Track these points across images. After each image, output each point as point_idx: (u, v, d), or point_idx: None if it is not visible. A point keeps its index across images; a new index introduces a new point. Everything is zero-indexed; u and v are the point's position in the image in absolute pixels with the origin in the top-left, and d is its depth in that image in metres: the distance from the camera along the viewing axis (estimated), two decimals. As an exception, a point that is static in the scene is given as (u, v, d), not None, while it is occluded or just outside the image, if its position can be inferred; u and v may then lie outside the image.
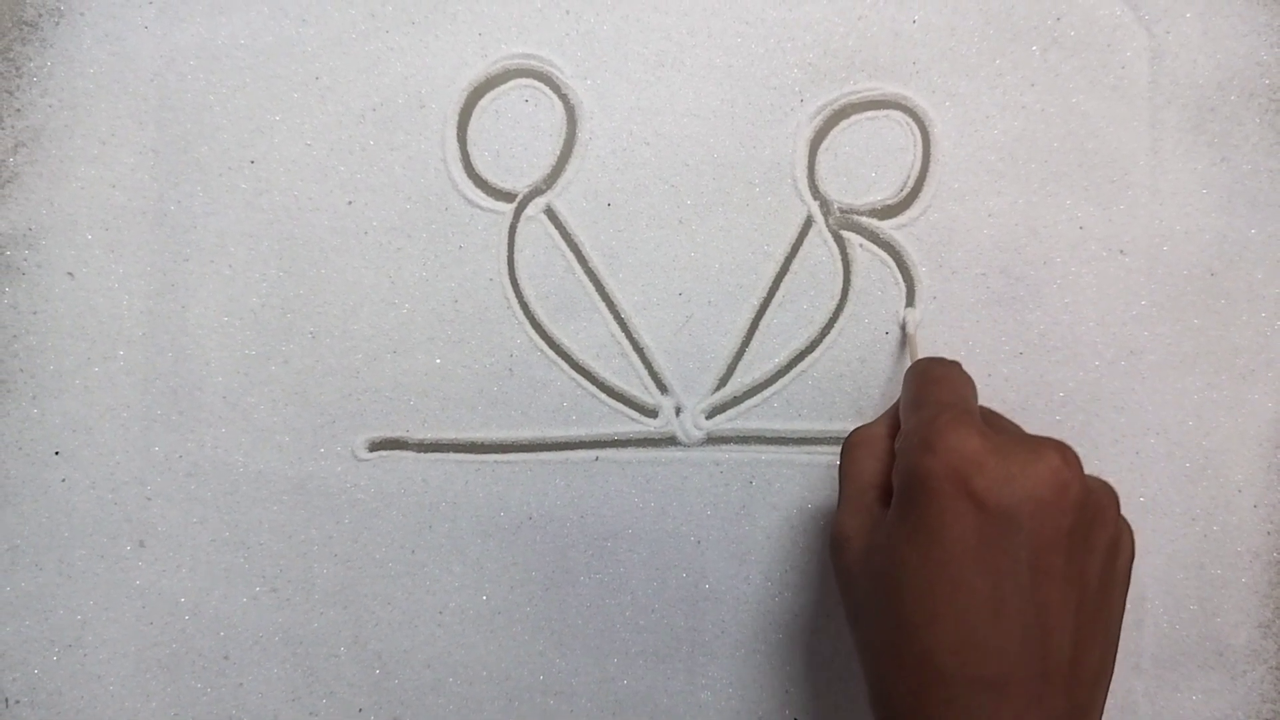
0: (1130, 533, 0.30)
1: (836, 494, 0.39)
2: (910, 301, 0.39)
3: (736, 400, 0.40)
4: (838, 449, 0.39)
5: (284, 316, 0.39)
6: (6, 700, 0.39)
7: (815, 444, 0.40)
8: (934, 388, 0.31)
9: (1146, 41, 0.39)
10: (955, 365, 0.33)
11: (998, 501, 0.26)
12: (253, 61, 0.40)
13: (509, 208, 0.40)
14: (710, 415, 0.40)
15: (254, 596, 0.39)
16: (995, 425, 0.31)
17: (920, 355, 0.37)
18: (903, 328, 0.39)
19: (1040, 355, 0.39)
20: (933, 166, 0.40)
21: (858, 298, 0.40)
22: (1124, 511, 0.39)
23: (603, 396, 0.40)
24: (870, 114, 0.40)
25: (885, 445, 0.32)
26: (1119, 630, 0.30)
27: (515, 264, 0.40)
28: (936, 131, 0.40)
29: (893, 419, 0.33)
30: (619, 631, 0.39)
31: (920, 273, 0.39)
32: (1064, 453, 0.28)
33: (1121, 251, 0.39)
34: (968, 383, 0.32)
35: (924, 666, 0.27)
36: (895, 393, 0.40)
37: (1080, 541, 0.27)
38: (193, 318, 0.39)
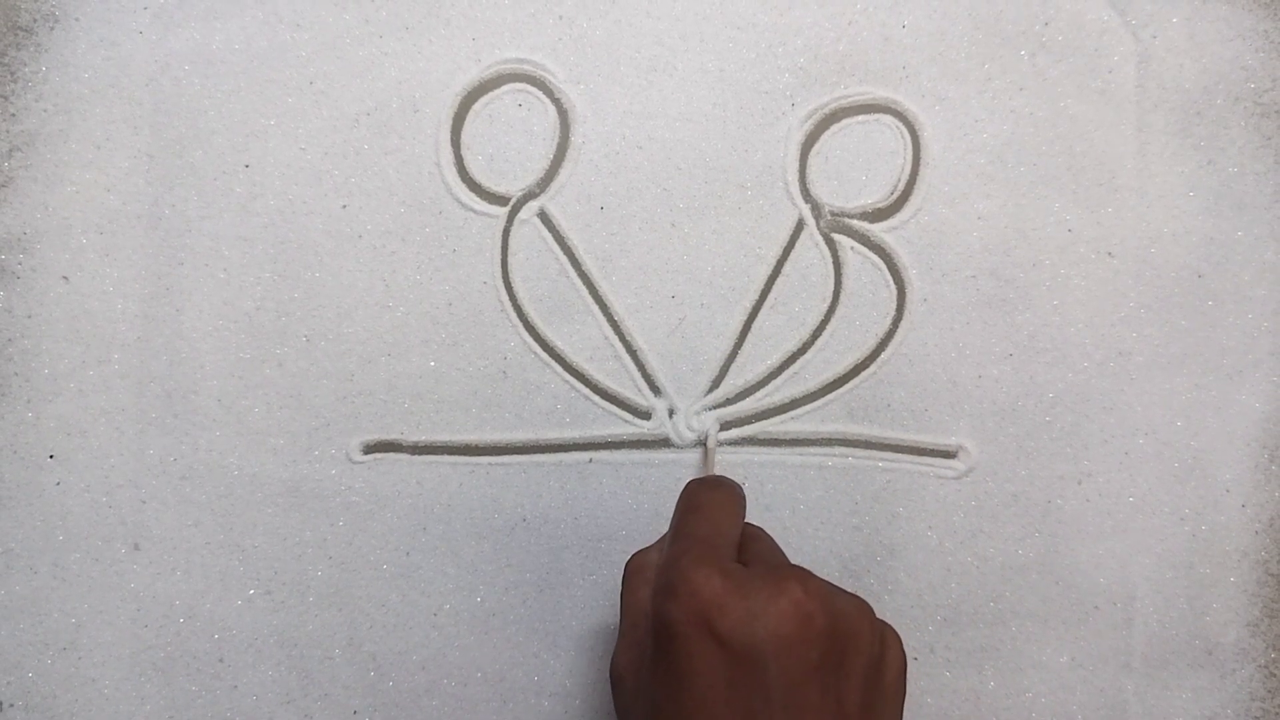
0: (897, 642, 0.30)
1: (827, 496, 0.40)
2: (900, 311, 0.40)
3: (730, 402, 0.40)
4: (830, 450, 0.40)
5: (278, 320, 0.40)
6: (1, 704, 0.39)
7: (807, 445, 0.40)
8: (691, 518, 0.31)
9: (1133, 46, 0.40)
10: (723, 488, 0.33)
11: (742, 642, 0.26)
12: (247, 66, 0.40)
13: (503, 211, 0.40)
14: (723, 427, 0.40)
15: (248, 599, 0.39)
16: (752, 553, 0.31)
17: (715, 471, 0.36)
18: (703, 442, 0.39)
19: (1030, 356, 0.40)
20: (923, 170, 0.40)
21: (849, 300, 0.40)
22: (1112, 511, 0.40)
23: (596, 399, 0.40)
24: (861, 118, 0.40)
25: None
26: None
27: (509, 267, 0.40)
28: (926, 135, 0.40)
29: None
30: (613, 632, 0.39)
31: (911, 275, 0.40)
32: (806, 583, 0.27)
33: (1110, 254, 0.40)
34: (731, 509, 0.32)
35: None
36: (888, 393, 0.40)
37: (833, 671, 0.27)
38: (187, 321, 0.39)
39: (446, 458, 0.40)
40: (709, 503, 0.32)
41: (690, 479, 0.34)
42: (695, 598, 0.27)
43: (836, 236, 0.40)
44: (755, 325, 0.40)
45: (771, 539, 0.33)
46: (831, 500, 0.40)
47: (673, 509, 0.39)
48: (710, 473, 0.37)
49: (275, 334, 0.40)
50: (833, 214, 0.40)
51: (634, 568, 0.32)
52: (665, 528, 0.39)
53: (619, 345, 0.40)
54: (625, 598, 0.31)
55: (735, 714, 0.26)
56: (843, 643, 0.28)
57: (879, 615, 0.39)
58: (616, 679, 0.30)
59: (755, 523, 0.40)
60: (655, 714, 0.27)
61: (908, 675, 0.30)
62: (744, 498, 0.33)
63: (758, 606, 0.27)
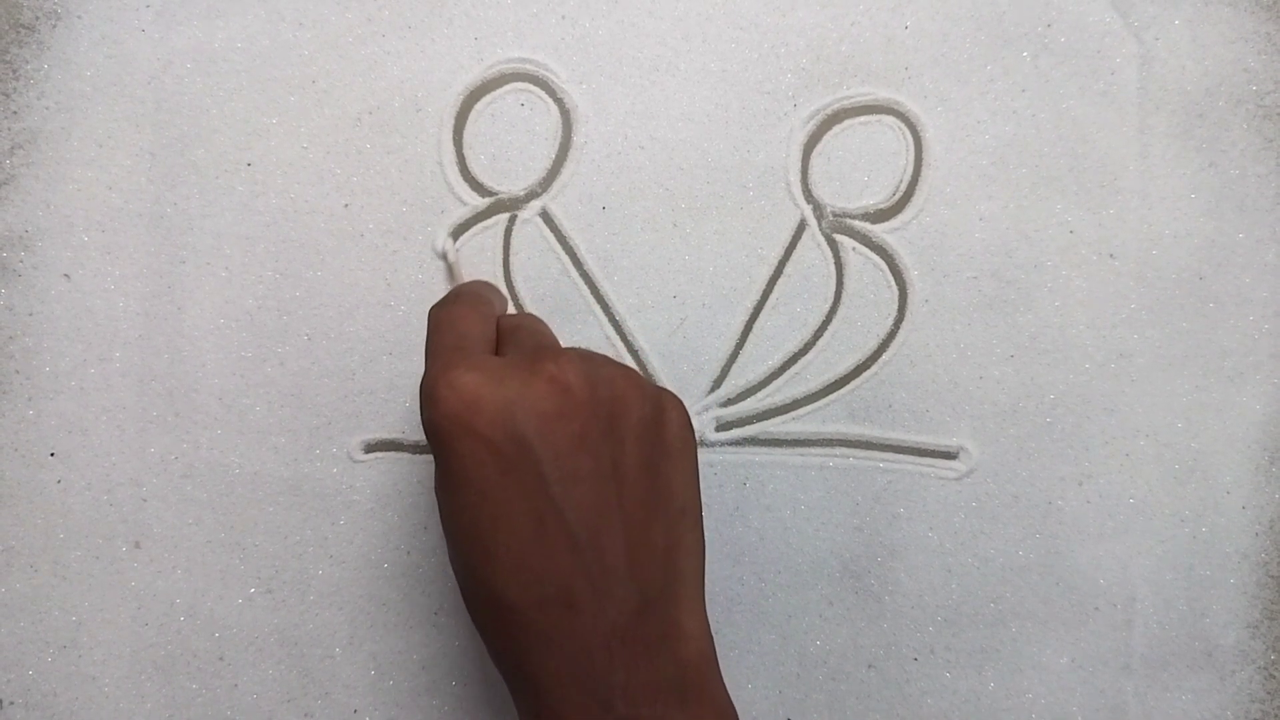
0: (676, 403, 0.30)
1: (828, 497, 0.40)
2: (901, 311, 0.40)
3: (731, 402, 0.40)
4: (831, 451, 0.40)
5: (280, 318, 0.40)
6: (1, 702, 0.39)
7: (809, 446, 0.40)
8: (435, 338, 0.31)
9: (1136, 48, 0.40)
10: (461, 299, 0.33)
11: (505, 429, 0.27)
12: (249, 65, 0.40)
13: (505, 211, 0.40)
14: (719, 428, 0.40)
15: (249, 597, 0.39)
16: (511, 344, 0.31)
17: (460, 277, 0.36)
18: (444, 257, 0.39)
19: (1031, 358, 0.40)
20: (925, 171, 0.40)
21: (850, 301, 0.40)
22: (1113, 513, 0.40)
23: (597, 398, 0.40)
24: (863, 119, 0.40)
25: None
26: (691, 497, 0.30)
27: (511, 266, 0.40)
28: (929, 136, 0.40)
29: None
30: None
31: (912, 276, 0.40)
32: (559, 358, 0.28)
33: (1111, 255, 0.40)
34: (472, 315, 0.32)
35: (494, 602, 0.27)
36: (889, 394, 0.40)
37: (602, 437, 0.28)
38: (189, 319, 0.39)
39: (448, 457, 0.40)
40: (446, 317, 0.32)
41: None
42: (449, 400, 0.27)
43: (838, 237, 0.40)
44: (757, 325, 0.40)
45: (535, 323, 0.33)
46: (832, 501, 0.40)
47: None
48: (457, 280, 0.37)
49: (277, 332, 0.40)
50: (835, 214, 0.40)
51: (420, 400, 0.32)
52: (666, 527, 0.40)
53: (621, 345, 0.40)
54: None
55: (513, 498, 0.27)
56: (608, 408, 0.28)
57: (879, 617, 0.40)
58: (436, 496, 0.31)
59: (756, 523, 0.40)
60: (447, 521, 0.28)
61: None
62: (495, 297, 0.34)
63: (512, 392, 0.27)
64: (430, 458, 0.39)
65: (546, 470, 0.27)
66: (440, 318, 0.32)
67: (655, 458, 0.29)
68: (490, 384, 0.27)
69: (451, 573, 0.39)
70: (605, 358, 0.30)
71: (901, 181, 0.40)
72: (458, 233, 0.40)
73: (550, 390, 0.28)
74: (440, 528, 0.30)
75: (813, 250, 0.40)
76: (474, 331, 0.31)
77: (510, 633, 0.27)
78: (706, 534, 0.39)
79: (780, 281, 0.40)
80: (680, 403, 0.31)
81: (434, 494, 0.30)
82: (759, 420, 0.40)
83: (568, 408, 0.28)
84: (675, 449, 0.30)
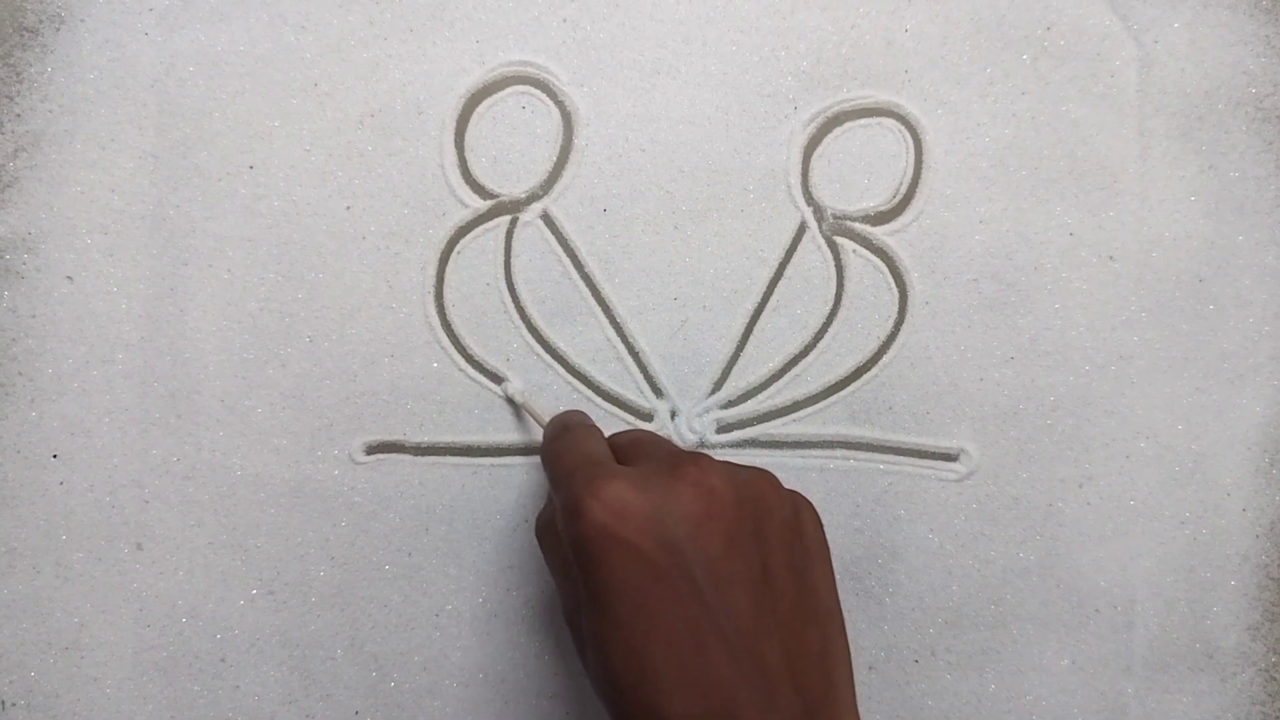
0: (808, 505, 0.30)
1: (829, 498, 0.40)
2: (901, 314, 0.40)
3: (732, 404, 0.40)
4: (832, 453, 0.40)
5: (282, 320, 0.40)
6: (3, 703, 0.39)
7: (809, 448, 0.40)
8: (561, 460, 0.31)
9: (1135, 51, 0.40)
10: (568, 428, 0.33)
11: (655, 538, 0.26)
12: (252, 68, 0.40)
13: (506, 213, 0.40)
14: (720, 430, 0.40)
15: (251, 599, 0.40)
16: (639, 456, 0.31)
17: (547, 417, 0.37)
18: (510, 400, 0.39)
19: (1031, 360, 0.40)
20: (925, 173, 0.40)
21: (851, 303, 0.40)
22: (1113, 514, 0.40)
23: (599, 400, 0.40)
24: (863, 121, 0.40)
25: None
26: (834, 601, 0.30)
27: (512, 269, 0.40)
28: (928, 139, 0.40)
29: None
30: (614, 634, 0.40)
31: (912, 278, 0.40)
32: (699, 461, 0.28)
33: (1111, 258, 0.40)
34: (587, 437, 0.32)
35: (655, 718, 0.26)
36: (890, 396, 0.40)
37: (749, 539, 0.27)
38: (191, 322, 0.40)
39: (449, 458, 0.40)
40: (564, 446, 0.32)
41: (543, 440, 0.34)
42: (597, 511, 0.27)
43: (838, 239, 0.40)
44: (757, 327, 0.40)
45: (653, 435, 0.33)
46: (833, 502, 0.40)
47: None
48: (542, 422, 0.37)
49: (279, 334, 0.40)
50: (835, 217, 0.40)
51: (540, 529, 0.32)
52: (667, 529, 0.40)
53: (621, 347, 0.40)
54: (546, 557, 0.32)
55: (668, 608, 0.26)
56: (752, 510, 0.28)
57: (880, 619, 0.40)
58: (571, 629, 0.30)
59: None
60: (599, 640, 0.27)
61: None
62: (593, 423, 0.34)
63: (659, 497, 0.27)
64: (433, 460, 0.40)
65: (699, 576, 0.26)
66: (557, 448, 0.32)
67: (799, 561, 0.29)
68: (635, 491, 0.27)
69: (451, 575, 0.39)
70: (737, 464, 0.29)
71: (902, 184, 0.40)
72: (459, 235, 0.40)
73: (696, 494, 0.27)
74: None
75: (813, 252, 0.40)
76: (598, 451, 0.31)
77: None
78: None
79: (781, 284, 0.40)
80: (811, 505, 0.30)
81: (564, 616, 0.30)
82: (760, 422, 0.40)
83: (715, 511, 0.27)
84: (815, 551, 0.29)
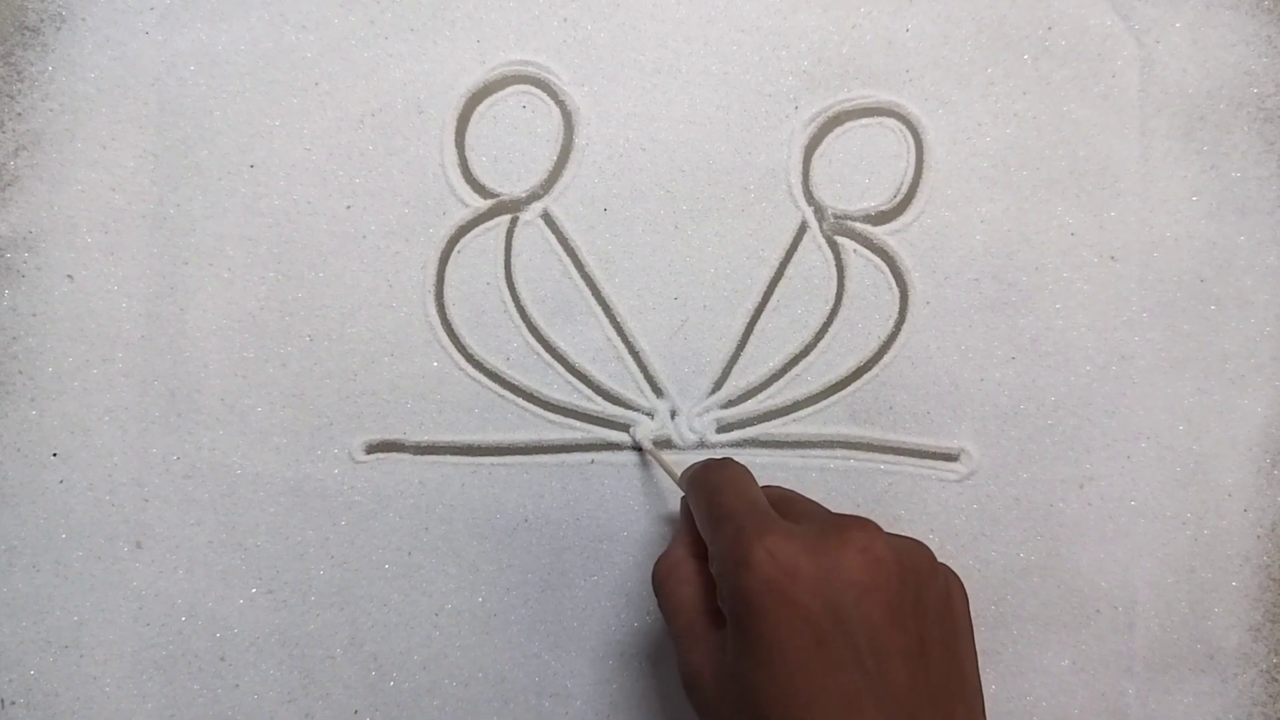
0: (957, 578, 0.30)
1: (829, 498, 0.40)
2: (902, 314, 0.40)
3: (732, 404, 0.40)
4: (832, 453, 0.40)
5: (282, 319, 0.40)
6: (3, 701, 0.39)
7: (810, 448, 0.40)
8: (721, 498, 0.30)
9: (1137, 51, 0.40)
10: (727, 463, 0.33)
11: (823, 601, 0.26)
12: (252, 67, 0.40)
13: (506, 213, 0.40)
14: (720, 429, 0.40)
15: (250, 598, 0.40)
16: (798, 513, 0.31)
17: (674, 466, 0.37)
18: (638, 448, 0.39)
19: (1032, 360, 0.40)
20: (926, 173, 0.40)
21: (851, 303, 0.40)
22: (1114, 515, 0.40)
23: (598, 400, 0.40)
24: (864, 121, 0.40)
25: (693, 567, 0.32)
26: (977, 676, 0.30)
27: (512, 268, 0.40)
28: (929, 139, 0.40)
29: (689, 538, 0.33)
30: (614, 633, 0.39)
31: (913, 278, 0.40)
32: (867, 529, 0.28)
33: (1112, 258, 0.40)
34: (747, 476, 0.32)
35: None
36: (890, 396, 0.40)
37: (910, 612, 0.27)
38: (191, 320, 0.40)
39: (449, 458, 0.40)
40: (728, 480, 0.31)
41: (689, 469, 0.34)
42: (767, 567, 0.27)
43: (839, 239, 0.40)
44: (758, 327, 0.40)
45: (799, 494, 0.33)
46: (833, 503, 0.39)
47: (672, 510, 0.39)
48: (673, 471, 0.37)
49: (279, 333, 0.40)
50: (835, 217, 0.40)
51: (665, 572, 0.32)
52: (668, 529, 0.40)
53: (621, 346, 0.40)
54: (668, 602, 0.31)
55: (829, 671, 0.26)
56: (914, 581, 0.28)
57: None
58: (692, 680, 0.30)
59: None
60: (749, 695, 0.27)
61: None
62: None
63: (829, 561, 0.27)
64: (432, 459, 0.39)
65: (861, 644, 0.26)
66: (718, 481, 0.31)
67: (951, 636, 0.29)
68: (808, 553, 0.27)
69: (450, 574, 0.39)
70: (894, 534, 0.29)
71: (902, 184, 0.40)
72: (460, 234, 0.40)
73: (864, 561, 0.27)
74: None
75: (814, 252, 0.40)
76: (761, 500, 0.31)
77: None
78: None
79: (781, 283, 0.40)
80: (959, 579, 0.30)
81: (683, 665, 0.30)
82: (760, 422, 0.40)
83: (880, 580, 0.27)
84: (963, 628, 0.30)
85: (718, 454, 0.40)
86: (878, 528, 0.28)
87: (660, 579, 0.32)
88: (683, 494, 0.34)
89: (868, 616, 0.27)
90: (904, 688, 0.26)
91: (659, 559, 0.32)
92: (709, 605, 0.31)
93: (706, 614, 0.30)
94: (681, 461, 0.40)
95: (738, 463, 0.33)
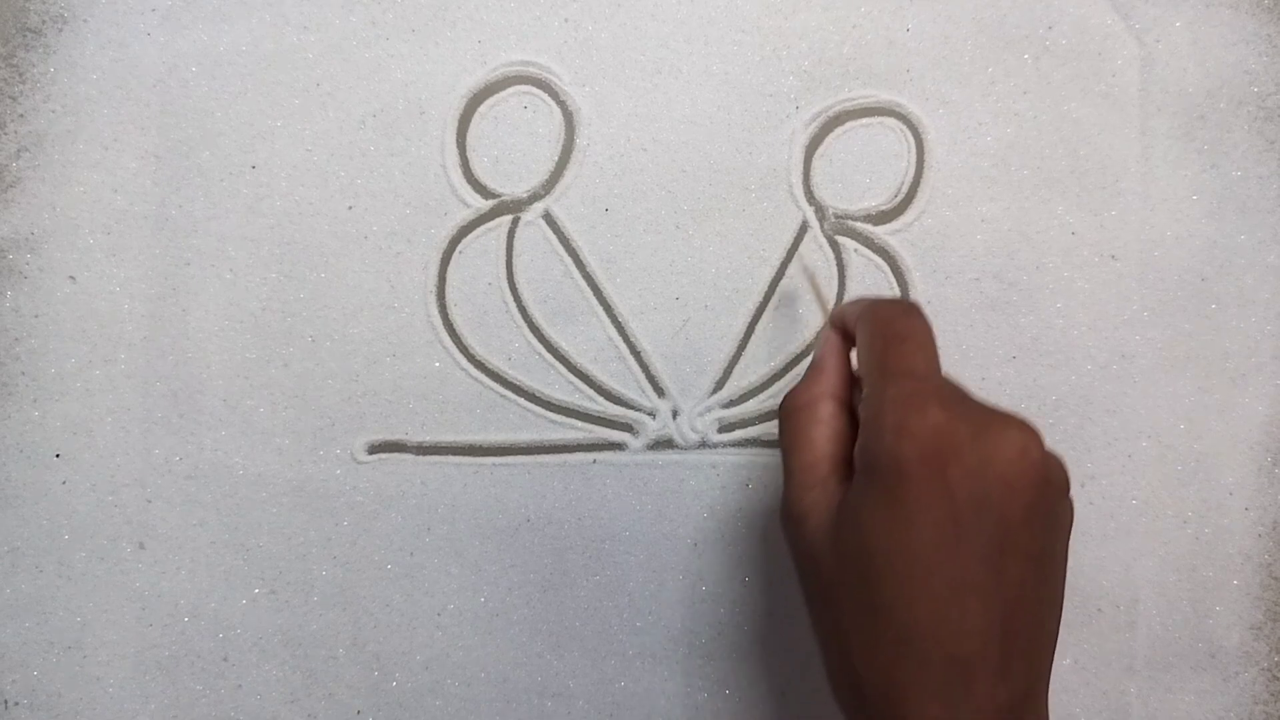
0: (1072, 503, 0.31)
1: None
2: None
3: (734, 403, 0.40)
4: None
5: (284, 320, 0.40)
6: (6, 702, 0.39)
7: (811, 447, 0.40)
8: (904, 349, 0.29)
9: (1137, 50, 0.40)
10: (918, 312, 0.31)
11: (971, 488, 0.27)
12: (254, 68, 0.40)
13: (508, 213, 0.40)
14: (722, 429, 0.40)
15: (253, 598, 0.40)
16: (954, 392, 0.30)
17: (827, 295, 0.36)
18: (804, 269, 0.39)
19: (1033, 359, 0.40)
20: (926, 173, 0.40)
21: (853, 302, 0.40)
22: (1115, 514, 0.40)
23: (600, 399, 0.40)
24: (865, 121, 0.40)
25: (831, 409, 0.31)
26: (1064, 595, 0.30)
27: (514, 269, 0.40)
28: (930, 138, 0.40)
29: (834, 378, 0.32)
30: (616, 633, 0.40)
31: (914, 277, 0.40)
32: (1027, 431, 0.28)
33: (1113, 257, 0.40)
34: (933, 336, 0.30)
35: (898, 646, 0.27)
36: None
37: (1043, 518, 0.28)
38: (193, 321, 0.40)
39: (451, 458, 0.40)
40: (915, 331, 0.30)
41: (869, 304, 0.31)
42: (930, 440, 0.27)
43: (840, 239, 0.40)
44: (759, 327, 0.40)
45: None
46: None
47: (674, 510, 0.39)
48: (824, 300, 0.35)
49: (281, 334, 0.40)
50: (836, 216, 0.40)
51: (799, 405, 0.31)
52: (670, 528, 0.40)
53: (623, 346, 0.40)
54: (795, 438, 0.31)
55: (956, 554, 0.26)
56: (1053, 494, 0.28)
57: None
58: (799, 518, 0.30)
59: (759, 524, 0.40)
60: (867, 552, 0.27)
61: None
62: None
63: (988, 452, 0.27)
64: (434, 460, 0.40)
65: (991, 537, 0.27)
66: (904, 330, 0.30)
67: (1062, 551, 0.29)
68: (971, 436, 0.27)
69: (453, 575, 0.39)
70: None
71: (903, 183, 0.40)
72: (461, 234, 0.40)
73: (1019, 461, 0.27)
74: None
75: (815, 252, 0.40)
76: (937, 362, 0.30)
77: (903, 681, 0.27)
78: (710, 535, 0.39)
79: (782, 283, 0.40)
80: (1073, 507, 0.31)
81: (789, 501, 0.30)
82: (762, 421, 0.40)
83: (1028, 482, 0.27)
84: (1066, 548, 0.30)
85: (719, 454, 0.40)
86: (1038, 433, 0.28)
87: (791, 411, 0.31)
88: (830, 330, 0.33)
89: (1006, 513, 0.27)
90: (1015, 587, 0.27)
91: (793, 391, 0.32)
92: (837, 452, 0.30)
93: (833, 460, 0.30)
94: (683, 461, 0.40)
95: (924, 315, 0.31)
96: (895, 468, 0.27)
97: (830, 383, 0.32)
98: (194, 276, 0.40)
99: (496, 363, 0.40)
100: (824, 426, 0.31)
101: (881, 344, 0.30)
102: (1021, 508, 0.27)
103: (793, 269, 0.38)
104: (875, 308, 0.31)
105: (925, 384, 0.28)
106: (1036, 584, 0.28)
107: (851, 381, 0.32)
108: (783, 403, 0.32)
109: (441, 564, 0.40)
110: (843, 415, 0.31)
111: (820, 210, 0.40)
